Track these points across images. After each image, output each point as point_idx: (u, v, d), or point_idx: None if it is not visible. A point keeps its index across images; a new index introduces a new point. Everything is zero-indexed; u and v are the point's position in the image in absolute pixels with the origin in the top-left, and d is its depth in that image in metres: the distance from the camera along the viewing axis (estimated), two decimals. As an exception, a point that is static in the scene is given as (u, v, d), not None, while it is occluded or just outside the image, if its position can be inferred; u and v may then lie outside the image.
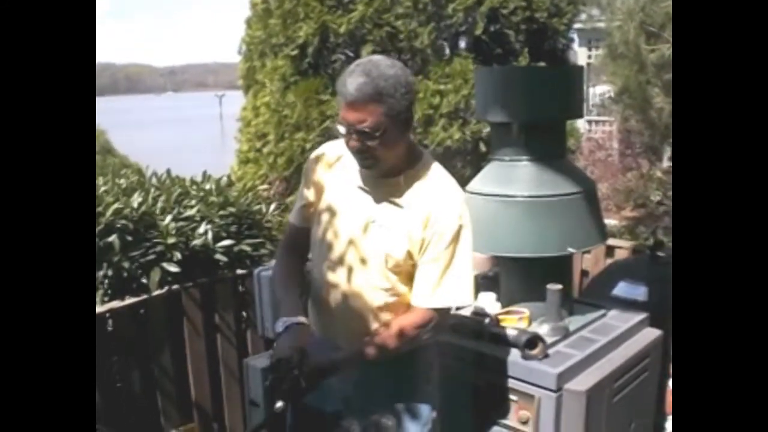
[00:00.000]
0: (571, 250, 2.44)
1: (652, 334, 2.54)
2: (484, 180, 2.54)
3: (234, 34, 7.31)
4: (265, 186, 4.91)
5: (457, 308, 2.16)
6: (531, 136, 2.44)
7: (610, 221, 6.17)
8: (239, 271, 3.18)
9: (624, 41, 5.37)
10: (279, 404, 1.68)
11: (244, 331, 3.19)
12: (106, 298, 2.88)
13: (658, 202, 7.00)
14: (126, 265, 2.89)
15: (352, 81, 1.68)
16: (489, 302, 2.57)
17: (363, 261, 1.84)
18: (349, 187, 1.87)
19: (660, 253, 3.07)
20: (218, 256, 3.13)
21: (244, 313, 3.19)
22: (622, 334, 2.46)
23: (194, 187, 3.49)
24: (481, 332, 2.38)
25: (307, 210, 1.97)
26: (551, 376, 2.16)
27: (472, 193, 2.50)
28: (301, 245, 1.99)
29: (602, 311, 2.60)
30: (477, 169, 2.69)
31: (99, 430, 1.94)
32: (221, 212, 3.30)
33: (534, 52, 6.16)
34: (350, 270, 1.86)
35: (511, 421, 2.25)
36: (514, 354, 2.26)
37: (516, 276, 2.57)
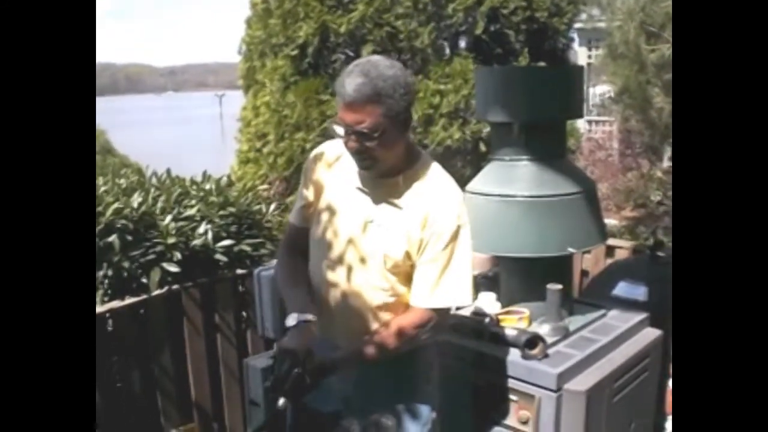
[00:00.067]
0: (571, 250, 2.44)
1: (652, 334, 2.54)
2: (485, 180, 2.54)
3: (234, 34, 7.31)
4: (265, 186, 4.91)
5: (457, 308, 2.16)
6: (531, 136, 2.43)
7: (610, 221, 6.17)
8: (239, 271, 3.18)
9: (624, 41, 5.37)
10: (281, 402, 1.68)
11: (244, 331, 3.19)
12: (106, 298, 2.88)
13: (658, 202, 6.99)
14: (126, 265, 2.89)
15: (350, 81, 1.68)
16: (489, 302, 2.57)
17: (362, 260, 1.84)
18: (348, 187, 1.86)
19: (660, 253, 3.07)
20: (218, 256, 3.13)
21: (244, 313, 3.19)
22: (622, 334, 2.46)
23: (194, 187, 3.49)
24: (481, 332, 2.38)
25: (306, 210, 1.97)
26: (551, 376, 2.16)
27: (473, 192, 2.50)
28: (302, 245, 1.99)
29: (602, 311, 2.60)
30: (477, 169, 2.69)
31: None
32: (221, 212, 3.30)
33: (534, 52, 6.16)
34: (350, 269, 1.86)
35: (511, 421, 2.25)
36: (514, 354, 2.26)
37: (516, 276, 2.57)
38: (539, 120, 2.45)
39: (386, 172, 1.81)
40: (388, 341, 1.81)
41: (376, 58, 1.78)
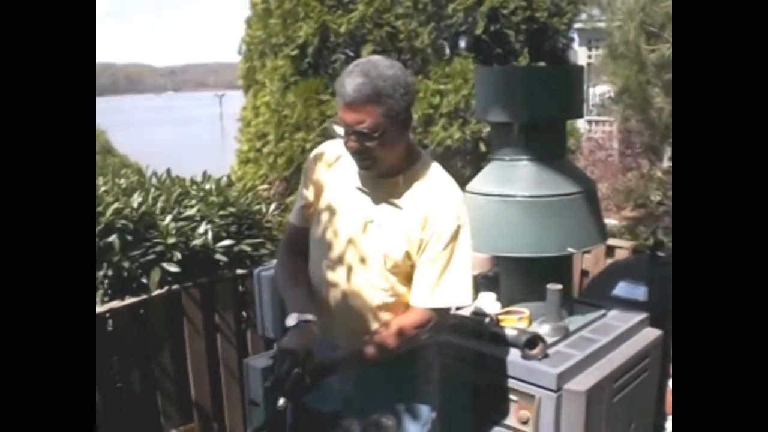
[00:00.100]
0: (571, 250, 2.44)
1: (652, 334, 2.54)
2: (484, 180, 2.54)
3: (234, 34, 7.31)
4: (265, 186, 4.91)
5: (457, 308, 2.16)
6: (531, 136, 2.43)
7: (610, 221, 6.16)
8: (239, 271, 3.18)
9: (624, 41, 5.36)
10: (281, 402, 1.68)
11: (244, 331, 3.19)
12: (106, 298, 2.88)
13: (658, 202, 6.99)
14: (126, 264, 2.89)
15: (350, 81, 1.68)
16: (489, 302, 2.57)
17: (362, 260, 1.84)
18: (348, 187, 1.86)
19: (660, 253, 3.07)
20: (218, 256, 3.13)
21: (244, 313, 3.19)
22: (622, 334, 2.46)
23: (194, 187, 3.49)
24: (481, 332, 2.38)
25: (306, 210, 1.97)
26: (551, 376, 2.16)
27: (473, 192, 2.50)
28: (302, 245, 1.99)
29: (602, 311, 2.60)
30: (477, 169, 2.69)
31: None
32: (221, 212, 3.30)
33: (534, 52, 6.16)
34: (350, 269, 1.86)
35: (511, 421, 2.25)
36: (514, 354, 2.26)
37: (516, 276, 2.57)
38: (539, 120, 2.45)
39: (386, 172, 1.81)
40: (388, 341, 1.81)
41: (376, 58, 1.78)
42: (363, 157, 1.75)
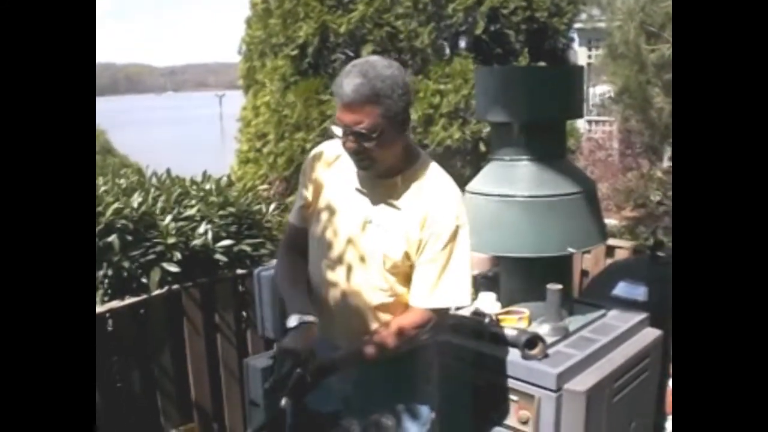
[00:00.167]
0: (571, 250, 2.44)
1: (652, 334, 2.54)
2: (484, 180, 2.54)
3: (234, 34, 7.31)
4: (265, 186, 4.90)
5: (457, 308, 2.16)
6: (531, 136, 2.44)
7: (610, 221, 6.16)
8: (239, 271, 3.18)
9: (624, 41, 5.37)
10: (284, 402, 1.68)
11: (244, 331, 3.19)
12: (106, 298, 2.88)
13: (658, 202, 6.99)
14: (126, 264, 2.89)
15: (348, 82, 1.67)
16: (489, 302, 2.57)
17: (362, 259, 1.84)
18: (347, 187, 1.86)
19: (660, 253, 3.07)
20: (218, 256, 3.13)
21: (244, 313, 3.19)
22: (622, 334, 2.46)
23: (194, 187, 3.49)
24: (480, 332, 2.38)
25: (306, 210, 1.97)
26: (551, 376, 2.16)
27: (473, 192, 2.50)
28: (302, 245, 1.99)
29: (602, 311, 2.60)
30: (477, 169, 2.69)
31: None
32: (221, 212, 3.29)
33: (534, 52, 6.15)
34: (349, 269, 1.86)
35: (511, 421, 2.25)
36: (514, 354, 2.26)
37: (516, 276, 2.57)
38: (539, 120, 2.45)
39: (385, 173, 1.81)
40: (388, 341, 1.81)
41: (374, 58, 1.78)
42: (361, 157, 1.75)
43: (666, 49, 4.89)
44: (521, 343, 2.24)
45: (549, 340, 2.30)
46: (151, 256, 2.95)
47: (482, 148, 5.64)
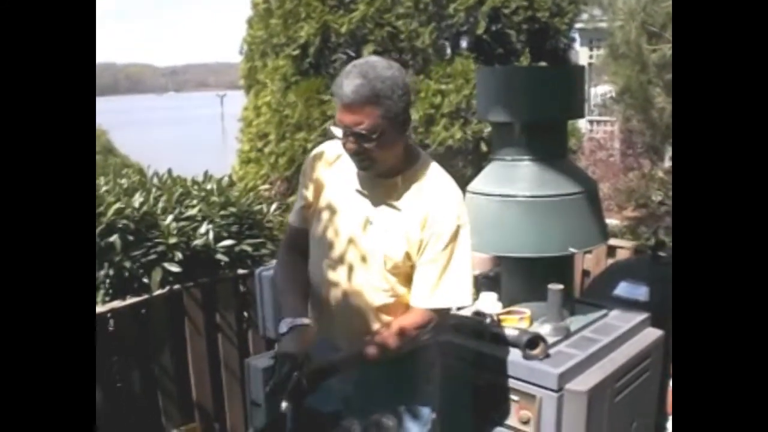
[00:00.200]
0: (572, 250, 2.43)
1: (653, 334, 2.54)
2: (486, 180, 2.54)
3: (235, 34, 7.31)
4: (267, 186, 4.90)
5: (458, 308, 2.16)
6: (532, 136, 2.43)
7: (612, 221, 6.16)
8: (240, 271, 3.18)
9: (625, 41, 5.37)
10: (284, 405, 1.68)
11: (246, 331, 3.19)
12: (107, 298, 2.88)
13: (659, 202, 6.99)
14: (127, 264, 2.89)
15: (348, 83, 1.67)
16: (490, 302, 2.57)
17: (363, 258, 1.84)
18: (347, 187, 1.86)
19: (661, 253, 3.07)
20: (219, 256, 3.13)
21: (245, 313, 3.19)
22: (624, 334, 2.45)
23: (195, 187, 3.49)
24: (482, 332, 2.38)
25: (306, 210, 1.96)
26: (552, 376, 2.15)
27: (474, 192, 2.50)
28: (302, 245, 1.99)
29: (604, 311, 2.60)
30: (478, 169, 2.69)
31: None
32: (222, 212, 3.30)
33: (535, 52, 6.15)
34: (350, 269, 1.85)
35: (512, 421, 2.24)
36: (515, 354, 2.26)
37: (517, 276, 2.57)
38: (540, 120, 2.45)
39: (385, 173, 1.81)
40: (389, 341, 1.81)
41: (374, 59, 1.77)
42: (361, 158, 1.75)
43: (667, 49, 4.89)
44: (522, 343, 2.24)
45: (550, 340, 2.30)
46: (153, 256, 2.95)
47: (483, 148, 5.64)
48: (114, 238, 2.87)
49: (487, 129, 5.40)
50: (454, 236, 1.78)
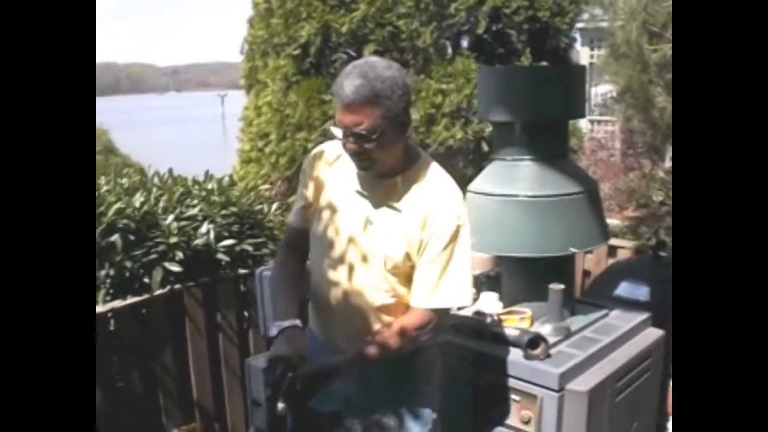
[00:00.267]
0: (573, 250, 2.43)
1: (654, 334, 2.54)
2: (487, 179, 2.53)
3: (236, 34, 7.31)
4: (267, 186, 4.90)
5: (459, 308, 2.16)
6: (533, 136, 2.43)
7: (613, 221, 6.16)
8: (241, 271, 3.18)
9: (626, 41, 5.37)
10: (281, 406, 1.68)
11: (246, 331, 3.19)
12: (108, 298, 2.88)
13: (660, 202, 6.99)
14: (128, 264, 2.89)
15: (348, 83, 1.67)
16: (491, 302, 2.57)
17: (364, 258, 1.84)
18: (348, 187, 1.86)
19: (662, 253, 3.07)
20: (220, 256, 3.13)
21: (245, 313, 3.19)
22: (625, 334, 2.45)
23: (196, 186, 3.49)
24: (482, 332, 2.38)
25: (306, 210, 1.96)
26: (553, 376, 2.15)
27: (475, 192, 2.49)
28: (302, 246, 1.99)
29: (604, 311, 2.60)
30: (479, 169, 2.69)
31: None
32: (223, 212, 3.30)
33: (536, 52, 6.15)
34: (351, 269, 1.85)
35: (513, 421, 2.24)
36: (516, 354, 2.26)
37: (518, 276, 2.56)
38: (541, 120, 2.45)
39: (385, 173, 1.81)
40: (389, 342, 1.81)
41: (374, 59, 1.77)
42: (361, 158, 1.75)
43: (668, 49, 4.90)
44: (523, 343, 2.24)
45: (551, 340, 2.30)
46: (153, 256, 2.95)
47: (484, 147, 5.64)
48: (115, 237, 2.87)
49: (488, 129, 5.40)
50: (454, 236, 1.78)
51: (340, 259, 1.86)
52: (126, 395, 2.81)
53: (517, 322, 2.41)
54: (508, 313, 2.47)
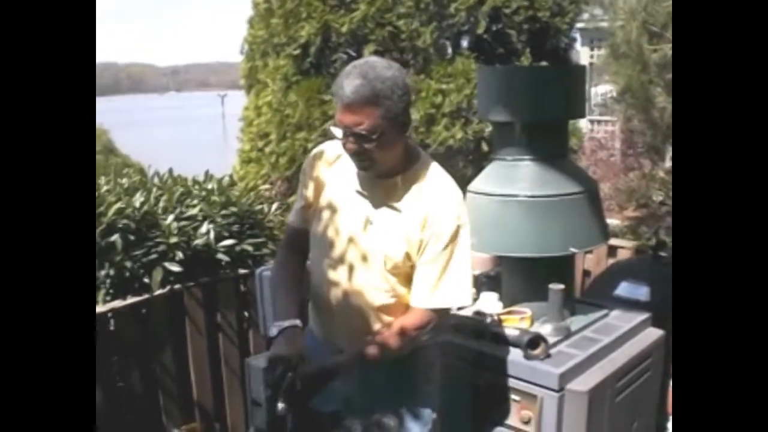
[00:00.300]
0: (573, 250, 2.43)
1: (654, 334, 2.54)
2: (487, 179, 2.53)
3: (236, 34, 7.31)
4: (267, 186, 4.90)
5: (459, 308, 2.16)
6: (533, 136, 2.43)
7: (613, 221, 6.16)
8: (241, 271, 3.18)
9: (626, 41, 5.37)
10: (281, 406, 1.68)
11: (246, 331, 3.19)
12: (108, 298, 2.88)
13: (660, 202, 6.99)
14: (128, 264, 2.89)
15: (348, 83, 1.67)
16: (491, 302, 2.57)
17: (364, 258, 1.84)
18: (348, 187, 1.86)
19: (662, 253, 3.07)
20: (220, 256, 3.13)
21: (245, 313, 3.19)
22: (625, 334, 2.45)
23: (196, 186, 3.49)
24: (482, 332, 2.38)
25: (306, 210, 1.96)
26: (553, 376, 2.15)
27: (475, 192, 2.49)
28: (302, 245, 1.99)
29: (604, 311, 2.60)
30: (479, 169, 2.69)
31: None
32: (223, 212, 3.29)
33: (536, 52, 6.15)
34: (351, 268, 1.85)
35: (513, 421, 2.25)
36: (516, 354, 2.26)
37: (518, 276, 2.56)
38: (541, 120, 2.45)
39: (385, 173, 1.81)
40: (389, 342, 1.81)
41: (374, 59, 1.77)
42: (361, 158, 1.75)
43: (668, 49, 4.90)
44: (523, 343, 2.24)
45: (551, 340, 2.30)
46: (153, 256, 2.95)
47: (484, 147, 5.64)
48: (115, 237, 2.87)
49: (488, 129, 5.40)
50: (454, 236, 1.78)
51: (340, 259, 1.86)
52: (126, 395, 2.81)
53: (517, 322, 2.41)
54: (508, 313, 2.47)
